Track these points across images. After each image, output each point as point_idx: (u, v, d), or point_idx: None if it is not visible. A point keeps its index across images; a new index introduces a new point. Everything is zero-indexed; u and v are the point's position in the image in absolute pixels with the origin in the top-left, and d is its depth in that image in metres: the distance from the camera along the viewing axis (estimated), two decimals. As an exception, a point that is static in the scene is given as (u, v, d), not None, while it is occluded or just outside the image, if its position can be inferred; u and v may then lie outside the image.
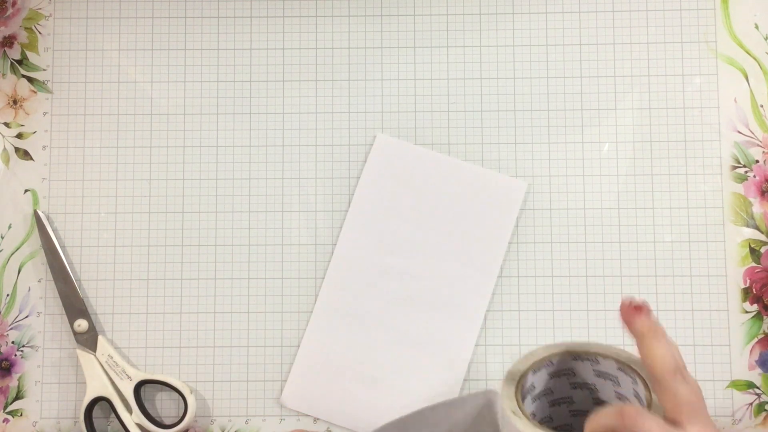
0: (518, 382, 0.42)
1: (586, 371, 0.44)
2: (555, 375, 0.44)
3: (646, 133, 0.58)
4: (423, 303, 0.56)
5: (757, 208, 0.57)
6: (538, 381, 0.44)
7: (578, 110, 0.58)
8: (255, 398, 0.57)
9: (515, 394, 0.41)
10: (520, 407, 0.40)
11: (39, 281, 0.58)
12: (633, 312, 0.39)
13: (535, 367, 0.43)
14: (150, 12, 0.60)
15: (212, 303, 0.57)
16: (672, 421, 0.37)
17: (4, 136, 0.59)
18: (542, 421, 0.45)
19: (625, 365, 0.41)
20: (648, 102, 0.58)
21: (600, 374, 0.43)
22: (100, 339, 0.56)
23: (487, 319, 0.56)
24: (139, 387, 0.56)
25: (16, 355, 0.57)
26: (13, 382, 0.57)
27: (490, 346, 0.56)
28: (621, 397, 0.43)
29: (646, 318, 0.39)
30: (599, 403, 0.45)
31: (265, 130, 0.59)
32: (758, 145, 0.57)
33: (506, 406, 0.40)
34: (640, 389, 0.40)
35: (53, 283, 0.57)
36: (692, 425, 0.37)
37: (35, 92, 0.59)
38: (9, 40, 0.60)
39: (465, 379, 0.56)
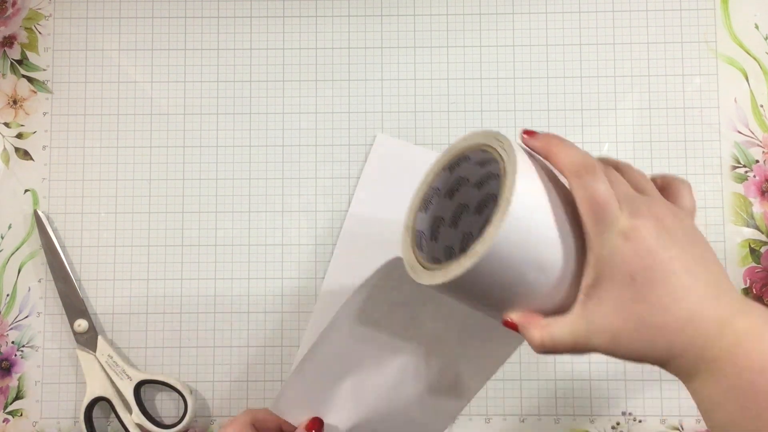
0: (412, 232, 0.41)
1: (468, 173, 0.42)
2: (447, 196, 0.43)
3: (646, 133, 0.58)
4: (423, 303, 0.56)
5: (757, 208, 0.57)
6: (438, 209, 0.42)
7: (578, 110, 0.58)
8: (255, 398, 0.57)
9: (411, 246, 0.40)
10: (416, 257, 0.40)
11: (39, 281, 0.58)
12: (528, 135, 0.39)
13: (422, 207, 0.42)
14: (150, 12, 0.60)
15: (212, 303, 0.57)
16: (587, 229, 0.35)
17: (4, 136, 0.59)
18: (465, 237, 0.44)
19: (476, 150, 0.40)
20: (648, 102, 0.58)
21: (466, 173, 0.42)
22: (100, 339, 0.56)
23: (487, 319, 0.56)
24: (139, 387, 0.56)
25: (16, 355, 0.57)
26: (13, 382, 0.57)
27: (490, 346, 0.56)
28: (492, 176, 0.42)
29: (542, 134, 0.38)
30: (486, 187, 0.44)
31: (265, 130, 0.59)
32: (758, 145, 0.57)
33: (405, 262, 0.40)
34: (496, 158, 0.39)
35: (53, 283, 0.57)
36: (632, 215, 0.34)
37: (35, 92, 0.59)
38: (9, 40, 0.60)
39: (465, 379, 0.56)
